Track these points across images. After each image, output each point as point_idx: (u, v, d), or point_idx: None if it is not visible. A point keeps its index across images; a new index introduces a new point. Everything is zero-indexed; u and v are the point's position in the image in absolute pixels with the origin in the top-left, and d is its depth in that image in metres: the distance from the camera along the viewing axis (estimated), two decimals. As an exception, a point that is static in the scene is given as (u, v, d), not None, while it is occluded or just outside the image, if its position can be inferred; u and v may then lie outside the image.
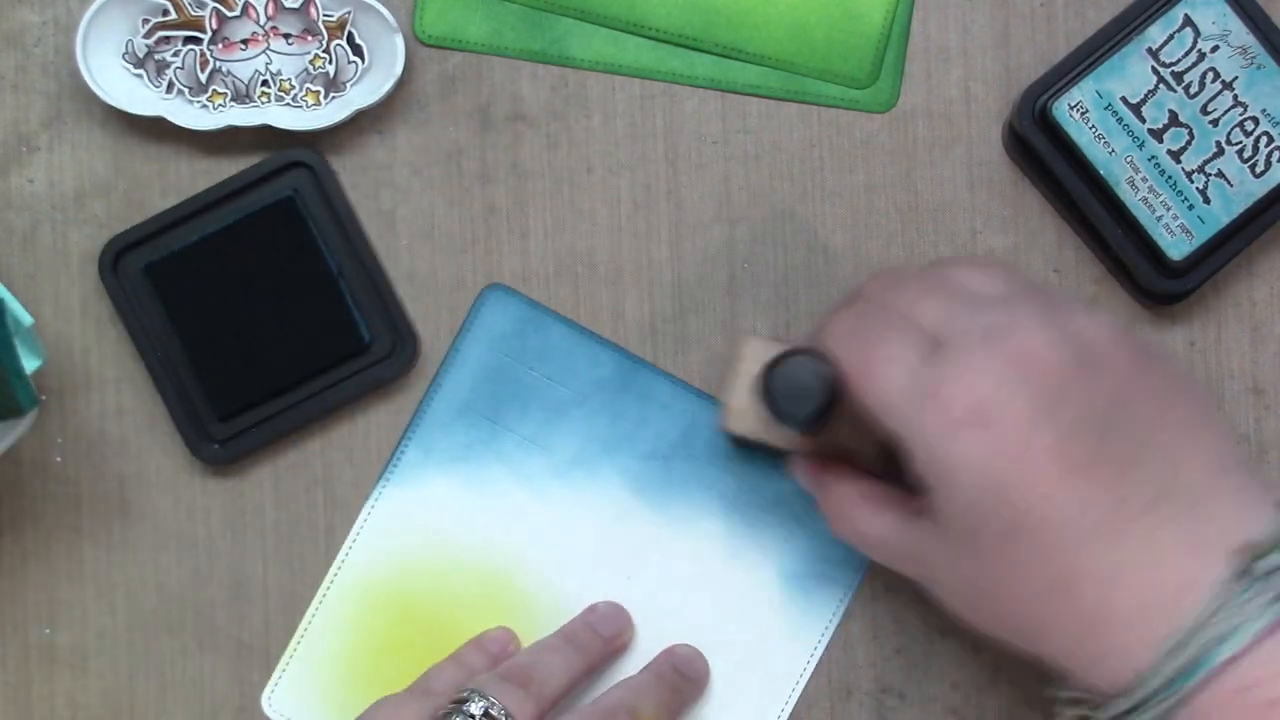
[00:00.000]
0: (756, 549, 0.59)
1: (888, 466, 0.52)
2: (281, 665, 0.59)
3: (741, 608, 0.58)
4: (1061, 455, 0.46)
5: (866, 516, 0.52)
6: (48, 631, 0.59)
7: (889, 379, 0.48)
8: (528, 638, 0.58)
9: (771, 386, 0.51)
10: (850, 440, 0.53)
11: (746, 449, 0.58)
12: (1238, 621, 0.45)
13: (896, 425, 0.48)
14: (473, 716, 0.51)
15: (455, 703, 0.52)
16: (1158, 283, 0.57)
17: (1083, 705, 0.48)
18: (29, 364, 0.55)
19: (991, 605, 0.48)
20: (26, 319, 0.55)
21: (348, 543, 0.59)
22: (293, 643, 0.59)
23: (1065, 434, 0.46)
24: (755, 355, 0.54)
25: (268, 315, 0.58)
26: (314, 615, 0.59)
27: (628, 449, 0.59)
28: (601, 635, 0.58)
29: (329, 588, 0.59)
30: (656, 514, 0.59)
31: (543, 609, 0.59)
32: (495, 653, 0.58)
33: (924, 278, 0.51)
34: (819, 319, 0.52)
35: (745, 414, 0.55)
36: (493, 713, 0.51)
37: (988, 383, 0.46)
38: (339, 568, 0.59)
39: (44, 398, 0.59)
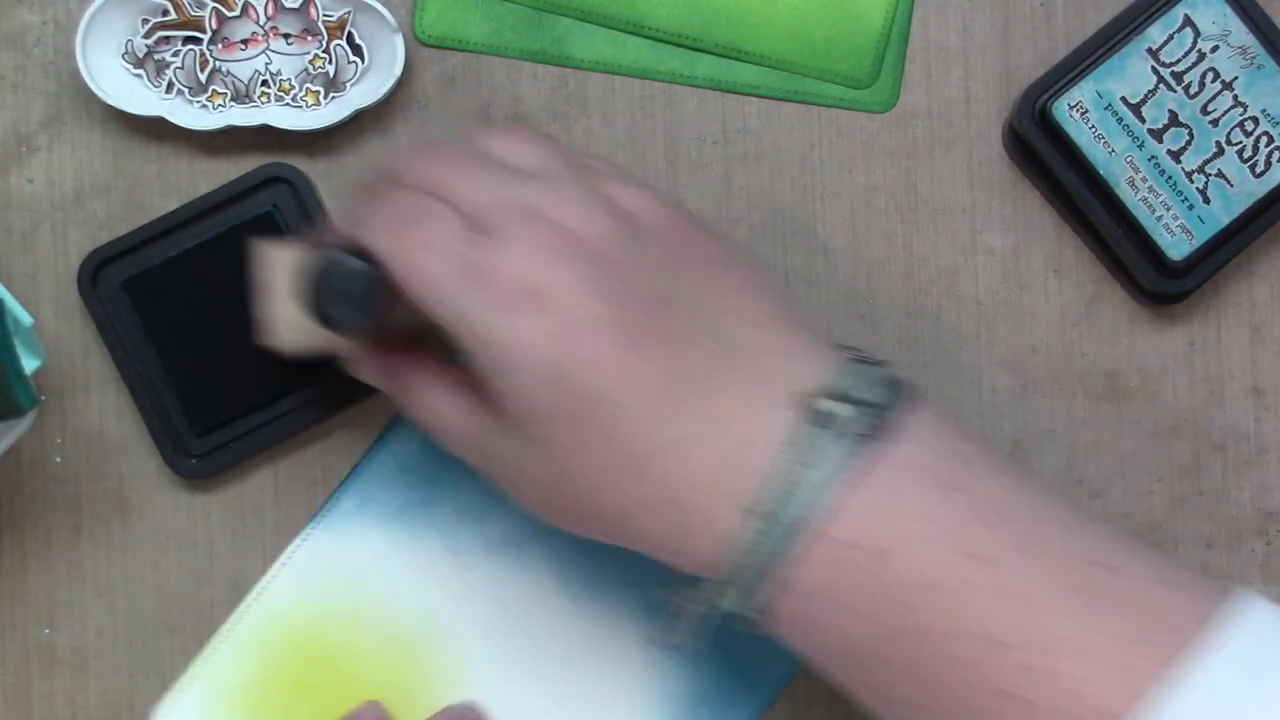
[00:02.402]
0: (673, 659, 0.58)
1: (451, 357, 0.50)
2: (179, 688, 0.58)
3: (664, 703, 0.58)
4: (616, 330, 0.45)
5: (442, 401, 0.49)
6: (48, 631, 0.59)
7: (431, 266, 0.46)
8: (428, 706, 0.57)
9: (317, 297, 0.48)
10: (413, 325, 0.50)
11: (303, 361, 0.55)
12: (807, 470, 0.44)
13: (445, 314, 0.46)
14: None
15: None
16: (1158, 283, 0.57)
17: (689, 593, 0.47)
18: (29, 364, 0.54)
19: (567, 499, 0.47)
20: (26, 319, 0.55)
21: (268, 576, 0.59)
22: (195, 666, 0.59)
23: (616, 308, 0.45)
24: (284, 262, 0.51)
25: (246, 330, 0.58)
26: (222, 642, 0.58)
27: (560, 536, 0.58)
28: None
29: (242, 617, 0.58)
30: (577, 607, 0.58)
31: (446, 680, 0.58)
32: None
33: (457, 153, 0.49)
34: (349, 207, 0.50)
35: (294, 326, 0.51)
36: None
37: (535, 261, 0.45)
38: (255, 598, 0.58)
39: (44, 398, 0.59)
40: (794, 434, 0.45)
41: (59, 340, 0.60)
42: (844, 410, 0.45)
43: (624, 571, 0.58)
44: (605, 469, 0.46)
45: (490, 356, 0.46)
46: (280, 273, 0.52)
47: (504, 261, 0.45)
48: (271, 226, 0.58)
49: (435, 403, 0.50)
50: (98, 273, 0.59)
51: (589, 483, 0.46)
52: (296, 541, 0.59)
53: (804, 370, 0.46)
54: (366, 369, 0.53)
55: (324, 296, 0.49)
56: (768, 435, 0.45)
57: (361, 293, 0.48)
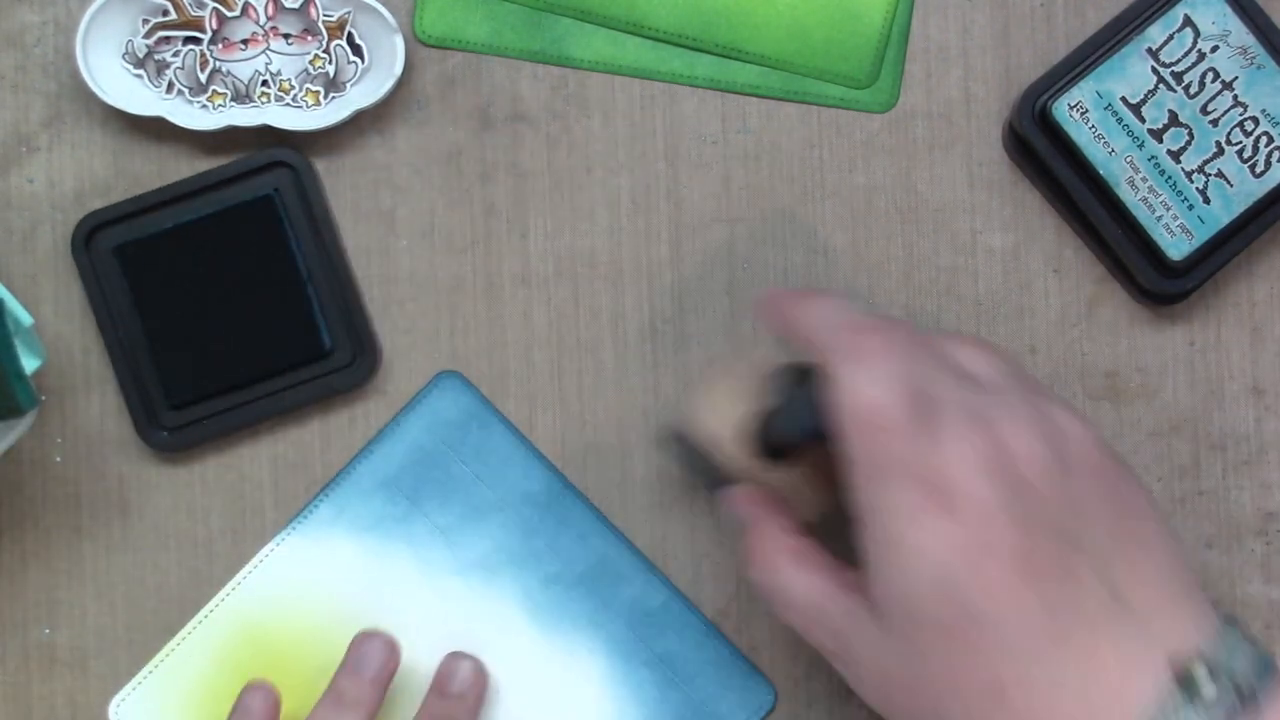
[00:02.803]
0: (631, 701, 0.58)
1: (829, 532, 0.50)
2: (139, 677, 0.58)
3: None
4: (1022, 562, 0.45)
5: (793, 571, 0.49)
6: (48, 631, 0.59)
7: (876, 388, 0.46)
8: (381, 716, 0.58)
9: (785, 396, 0.49)
10: (802, 489, 0.51)
11: (682, 462, 0.56)
12: None
13: (862, 489, 0.46)
14: None
15: None
16: (1158, 283, 0.57)
17: None
18: (29, 364, 0.54)
19: (911, 700, 0.46)
20: (26, 319, 0.55)
21: (239, 576, 0.59)
22: (157, 658, 0.59)
23: (1030, 539, 0.45)
24: (756, 364, 0.53)
25: (232, 310, 0.58)
26: (186, 637, 0.58)
27: (533, 567, 0.58)
28: (366, 679, 0.56)
29: (209, 614, 0.58)
30: (542, 639, 0.58)
31: (406, 696, 0.58)
32: None
33: (930, 342, 0.49)
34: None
35: (716, 416, 0.52)
36: None
37: (966, 467, 0.45)
38: (224, 598, 0.58)
39: (44, 398, 0.59)
40: (1164, 699, 0.44)
41: (59, 340, 0.60)
42: (1215, 684, 0.44)
43: (593, 612, 0.58)
44: (964, 688, 0.45)
45: (889, 549, 0.45)
46: (747, 370, 0.53)
47: (937, 459, 0.45)
48: (271, 209, 0.58)
49: (789, 572, 0.49)
50: (92, 236, 0.59)
51: (940, 696, 0.45)
52: (271, 545, 0.59)
53: (1185, 633, 0.45)
54: (737, 498, 0.52)
55: (789, 404, 0.49)
56: (1138, 695, 0.44)
57: (814, 413, 0.48)
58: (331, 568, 0.59)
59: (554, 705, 0.58)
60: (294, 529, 0.59)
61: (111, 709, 0.58)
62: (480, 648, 0.58)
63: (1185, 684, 0.44)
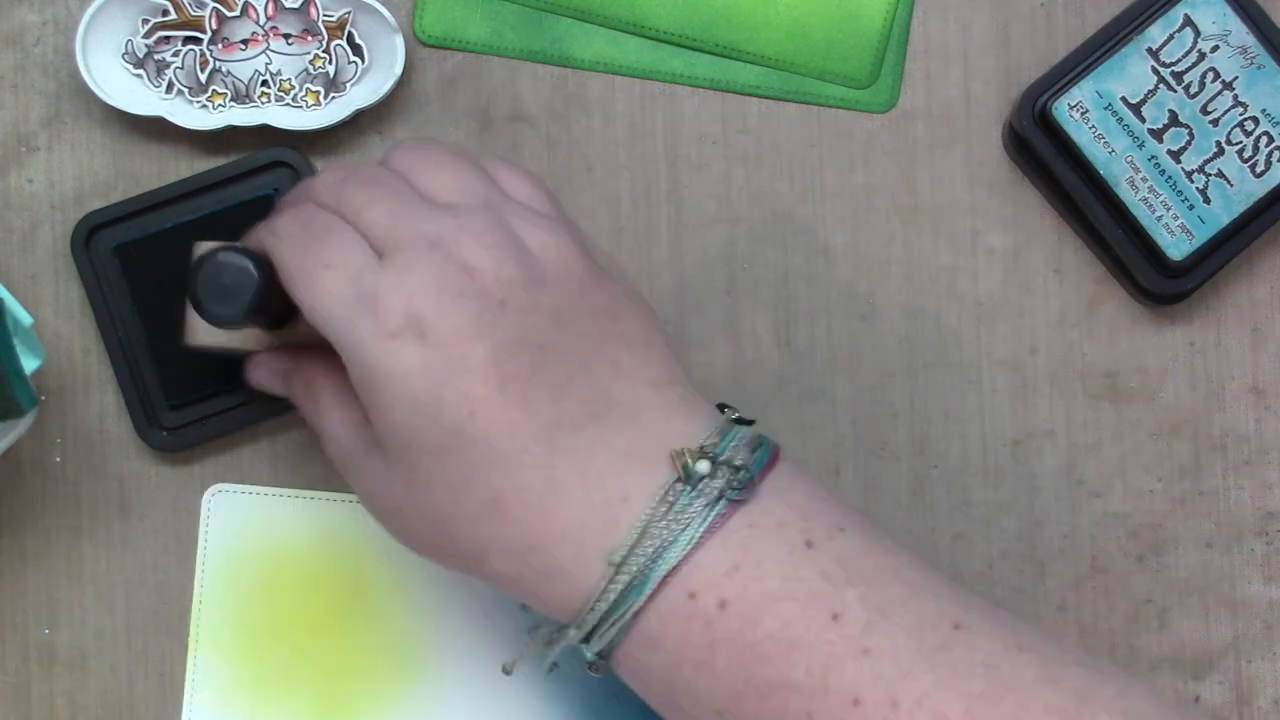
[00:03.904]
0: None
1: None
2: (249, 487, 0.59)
3: None
4: (496, 372, 0.45)
5: (332, 407, 0.50)
6: (47, 631, 0.59)
7: (328, 287, 0.46)
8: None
9: (196, 285, 0.48)
10: (318, 338, 0.51)
11: (217, 360, 0.56)
12: (678, 529, 0.45)
13: (333, 335, 0.46)
14: None
15: None
16: (1158, 283, 0.57)
17: (552, 635, 0.48)
18: (29, 364, 0.54)
19: (425, 526, 0.47)
20: (26, 319, 0.55)
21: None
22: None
23: (501, 351, 0.45)
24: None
25: None
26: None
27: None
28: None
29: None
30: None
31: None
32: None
33: (375, 177, 0.49)
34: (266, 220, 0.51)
35: (200, 324, 0.52)
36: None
37: (427, 294, 0.45)
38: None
39: (44, 398, 0.59)
40: (665, 492, 0.45)
41: (59, 340, 0.60)
42: (714, 470, 0.46)
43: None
44: (467, 508, 0.46)
45: (369, 382, 0.46)
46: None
47: (397, 291, 0.45)
48: (269, 210, 0.58)
49: (329, 408, 0.50)
50: (92, 235, 0.59)
51: (449, 518, 0.46)
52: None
53: (680, 429, 0.47)
54: (262, 373, 0.53)
55: (203, 287, 0.48)
56: (640, 491, 0.45)
57: (242, 290, 0.48)
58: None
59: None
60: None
61: (206, 496, 0.59)
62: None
63: (685, 474, 0.45)
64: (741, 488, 0.46)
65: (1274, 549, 0.59)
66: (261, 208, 0.58)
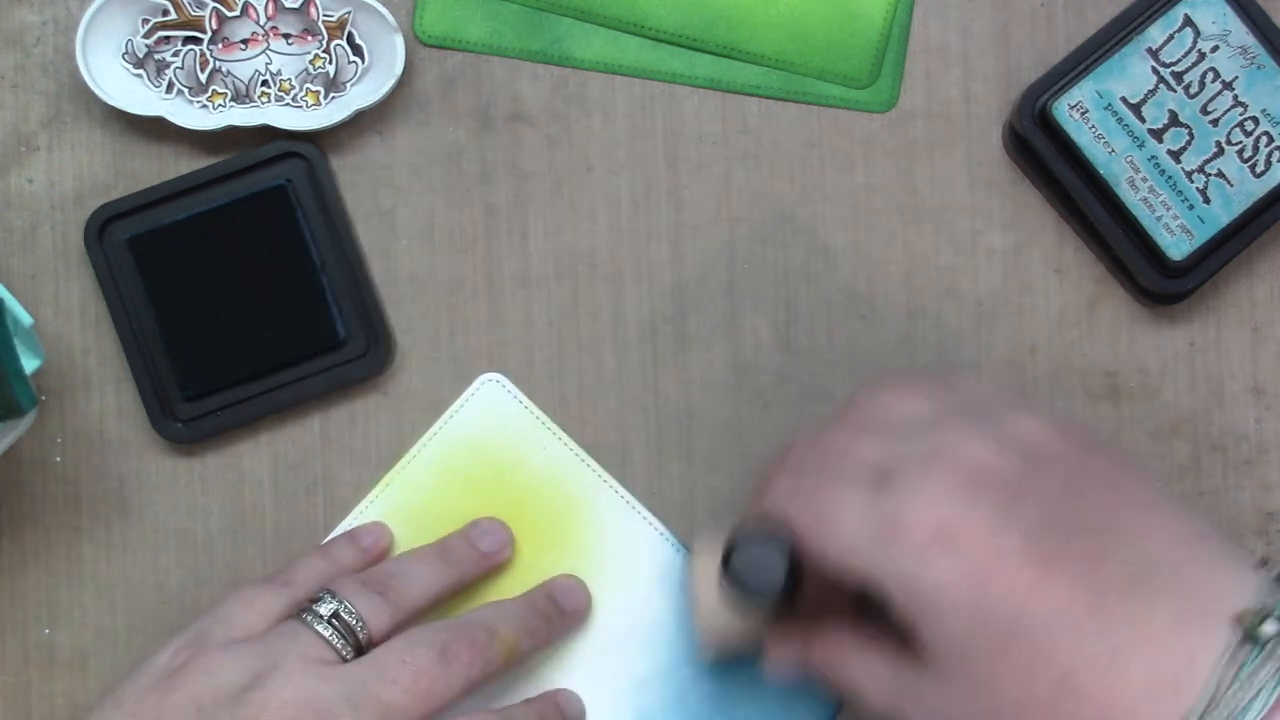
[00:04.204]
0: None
1: (865, 618, 0.51)
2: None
3: None
4: (1032, 555, 0.45)
5: (859, 666, 0.50)
6: (48, 631, 0.59)
7: (843, 526, 0.47)
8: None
9: (734, 572, 0.50)
10: (823, 606, 0.52)
11: (730, 665, 0.57)
12: (1251, 694, 0.44)
13: (864, 571, 0.47)
14: (322, 618, 0.50)
15: (311, 601, 0.51)
16: (1158, 283, 0.57)
17: None
18: (29, 364, 0.54)
19: None
20: (26, 319, 0.55)
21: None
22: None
23: (1031, 533, 0.45)
24: (710, 549, 0.53)
25: (246, 301, 0.58)
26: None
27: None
28: (479, 549, 0.57)
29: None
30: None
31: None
32: (367, 546, 0.57)
33: (848, 417, 0.50)
34: (756, 489, 0.52)
35: (717, 615, 0.53)
36: (344, 616, 0.50)
37: (943, 502, 0.46)
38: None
39: (44, 398, 0.59)
40: (1235, 653, 0.44)
41: (59, 340, 0.60)
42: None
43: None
44: (1039, 695, 0.45)
45: (914, 604, 0.46)
46: (708, 560, 0.53)
47: (914, 508, 0.46)
48: (284, 200, 0.58)
49: (856, 667, 0.50)
50: (105, 228, 0.59)
51: (1021, 709, 0.45)
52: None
53: (1234, 587, 0.45)
54: (785, 651, 0.53)
55: (742, 571, 0.49)
56: (1207, 653, 0.44)
57: (776, 563, 0.49)
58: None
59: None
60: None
61: (477, 381, 0.59)
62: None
63: (1249, 634, 0.44)
64: None
65: (1274, 549, 0.59)
66: (274, 199, 0.58)
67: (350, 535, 0.58)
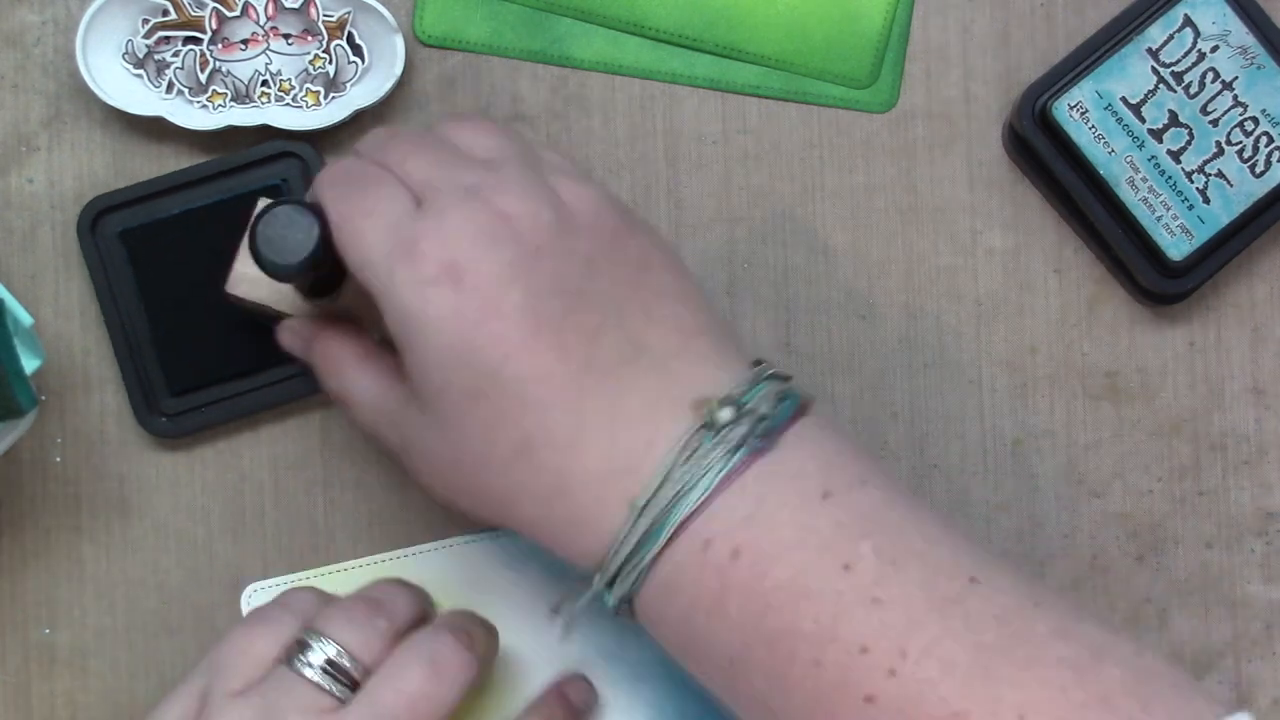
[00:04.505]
0: None
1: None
2: (287, 578, 0.59)
3: None
4: (529, 317, 0.46)
5: (355, 373, 0.51)
6: (48, 631, 0.59)
7: (368, 233, 0.47)
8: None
9: (257, 235, 0.49)
10: (357, 309, 0.52)
11: (252, 318, 0.57)
12: (698, 475, 0.45)
13: (372, 281, 0.47)
14: (314, 666, 0.50)
15: (301, 645, 0.50)
16: (1158, 283, 0.57)
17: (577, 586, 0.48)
18: (29, 364, 0.54)
19: (459, 475, 0.48)
20: (26, 319, 0.55)
21: (444, 542, 0.59)
22: (331, 566, 0.59)
23: (535, 296, 0.46)
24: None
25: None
26: (366, 566, 0.59)
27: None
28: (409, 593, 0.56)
29: (383, 560, 0.59)
30: None
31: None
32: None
33: (418, 135, 0.50)
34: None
35: (244, 276, 0.54)
36: (337, 660, 0.50)
37: (462, 241, 0.46)
38: (406, 554, 0.59)
39: (44, 398, 0.59)
40: (688, 438, 0.46)
41: (59, 340, 0.60)
42: (737, 418, 0.46)
43: None
44: (498, 452, 0.46)
45: (405, 327, 0.47)
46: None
47: (434, 238, 0.46)
48: (278, 199, 0.58)
49: (350, 370, 0.51)
50: (97, 220, 0.59)
51: (481, 463, 0.47)
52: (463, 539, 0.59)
53: (709, 377, 0.47)
54: (293, 337, 0.54)
55: (264, 238, 0.49)
56: (664, 438, 0.46)
57: (301, 243, 0.49)
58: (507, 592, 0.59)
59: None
60: (492, 537, 0.59)
61: (244, 597, 0.59)
62: None
63: (708, 421, 0.46)
64: (763, 436, 0.46)
65: (1274, 549, 0.59)
66: (269, 197, 0.58)
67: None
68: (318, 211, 0.49)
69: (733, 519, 0.45)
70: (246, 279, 0.54)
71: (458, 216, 0.47)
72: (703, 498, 0.45)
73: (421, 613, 0.54)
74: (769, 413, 0.46)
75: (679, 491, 0.45)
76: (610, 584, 0.47)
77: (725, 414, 0.46)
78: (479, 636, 0.53)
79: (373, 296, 0.48)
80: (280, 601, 0.53)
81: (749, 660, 0.45)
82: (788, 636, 0.44)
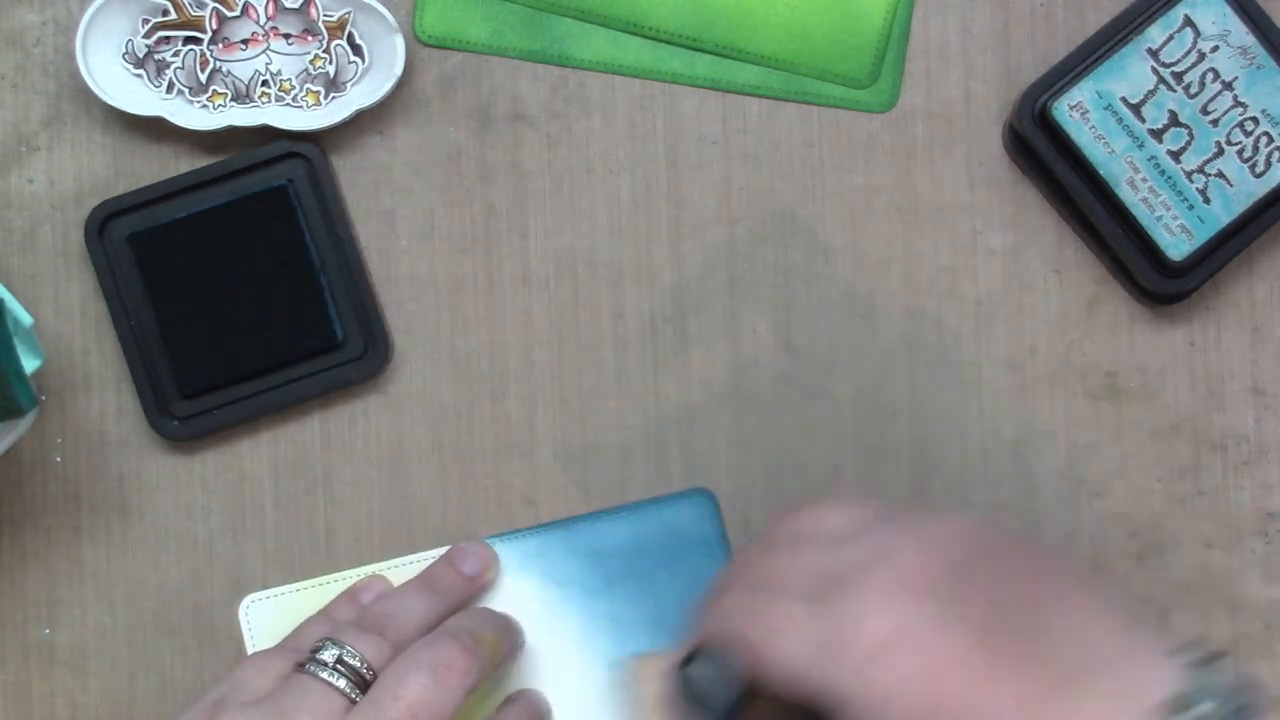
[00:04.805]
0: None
1: None
2: (284, 589, 0.59)
3: None
4: (980, 651, 0.45)
5: None
6: (48, 631, 0.59)
7: (790, 643, 0.47)
8: None
9: (686, 688, 0.50)
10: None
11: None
12: None
13: (812, 683, 0.47)
14: (326, 664, 0.51)
15: (313, 651, 0.51)
16: (1158, 283, 0.57)
17: None
18: (29, 364, 0.54)
19: None
20: (26, 319, 0.55)
21: (426, 554, 0.59)
22: (312, 580, 0.59)
23: (976, 630, 0.46)
24: (650, 675, 0.53)
25: (244, 300, 0.58)
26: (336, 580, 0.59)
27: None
28: (463, 573, 0.57)
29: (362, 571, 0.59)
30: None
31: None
32: (366, 602, 0.57)
33: (779, 535, 0.50)
34: (695, 618, 0.52)
35: None
36: (347, 660, 0.51)
37: (886, 608, 0.46)
38: (397, 565, 0.59)
39: (44, 398, 0.59)
40: None
41: (59, 340, 0.60)
42: (1225, 707, 0.44)
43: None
44: None
45: (866, 712, 0.46)
46: (648, 685, 0.53)
47: (859, 617, 0.46)
48: (285, 200, 0.58)
49: None
50: (105, 225, 0.59)
51: None
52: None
53: (1157, 677, 0.45)
54: None
55: (693, 686, 0.49)
56: None
57: (726, 680, 0.49)
58: (504, 596, 0.58)
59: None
60: (499, 541, 0.58)
61: (242, 608, 0.58)
62: None
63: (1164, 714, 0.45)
64: None
65: (1274, 549, 0.59)
66: (275, 199, 0.58)
67: (349, 593, 0.58)
68: (725, 648, 0.49)
69: None
70: None
71: (871, 587, 0.46)
72: None
73: (434, 618, 0.54)
74: (1233, 710, 0.44)
75: None
76: None
77: (1197, 712, 0.44)
78: (486, 639, 0.53)
79: (817, 697, 0.47)
80: (296, 633, 0.54)
81: None
82: None
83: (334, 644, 0.51)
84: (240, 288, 0.58)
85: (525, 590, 0.58)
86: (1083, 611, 0.47)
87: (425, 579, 0.57)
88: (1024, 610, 0.47)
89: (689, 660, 0.50)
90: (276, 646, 0.55)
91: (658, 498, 0.59)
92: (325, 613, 0.57)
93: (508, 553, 0.59)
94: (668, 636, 0.57)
